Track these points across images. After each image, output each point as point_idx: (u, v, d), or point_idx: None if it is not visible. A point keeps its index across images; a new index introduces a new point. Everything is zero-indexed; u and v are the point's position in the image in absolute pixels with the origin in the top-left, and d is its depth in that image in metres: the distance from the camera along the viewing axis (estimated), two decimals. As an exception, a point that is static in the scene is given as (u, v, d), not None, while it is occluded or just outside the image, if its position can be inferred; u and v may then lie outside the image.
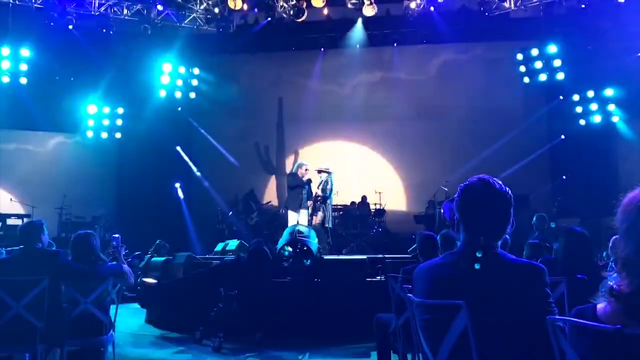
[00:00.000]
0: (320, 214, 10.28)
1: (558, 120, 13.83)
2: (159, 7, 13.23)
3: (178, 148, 15.17)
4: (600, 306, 1.61)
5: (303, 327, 7.07)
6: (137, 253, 10.75)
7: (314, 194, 10.32)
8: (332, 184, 10.40)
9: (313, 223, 10.19)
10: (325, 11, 13.81)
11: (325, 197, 10.28)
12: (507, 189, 2.11)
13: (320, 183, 10.40)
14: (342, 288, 7.50)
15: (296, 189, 9.90)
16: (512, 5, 12.72)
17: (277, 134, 15.64)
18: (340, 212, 12.77)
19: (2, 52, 12.74)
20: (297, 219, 9.72)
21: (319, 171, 10.48)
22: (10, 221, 12.26)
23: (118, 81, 14.18)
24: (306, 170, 10.03)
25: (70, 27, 12.81)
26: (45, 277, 4.11)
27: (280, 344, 6.66)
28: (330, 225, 10.57)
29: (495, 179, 2.13)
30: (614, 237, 4.93)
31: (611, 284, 1.57)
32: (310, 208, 10.28)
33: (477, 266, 2.02)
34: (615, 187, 11.32)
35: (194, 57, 14.81)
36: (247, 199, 13.93)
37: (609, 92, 12.83)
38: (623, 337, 1.45)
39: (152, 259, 9.53)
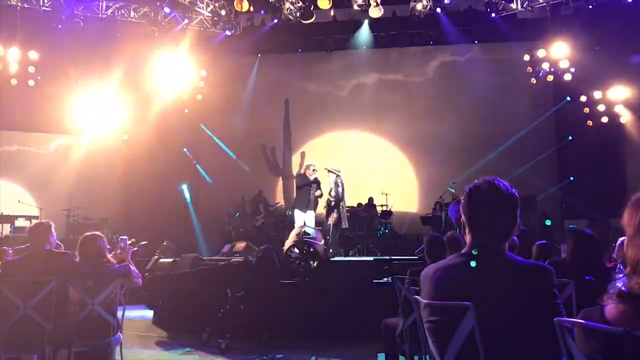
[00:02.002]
0: (334, 215, 10.30)
1: (565, 121, 13.77)
2: (166, 10, 13.24)
3: (185, 150, 15.21)
4: (608, 308, 1.60)
5: (310, 328, 7.06)
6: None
7: (327, 195, 10.33)
8: (342, 185, 10.42)
9: (329, 223, 10.23)
10: (332, 13, 13.81)
11: (338, 198, 10.29)
12: (514, 190, 2.10)
13: (331, 184, 10.38)
14: (348, 290, 7.49)
15: (304, 189, 9.95)
16: (519, 6, 12.67)
17: (283, 135, 15.63)
18: (347, 214, 12.77)
19: (10, 55, 12.81)
20: (304, 219, 9.72)
21: (328, 171, 10.49)
22: (19, 222, 12.30)
23: (125, 83, 14.22)
24: (314, 170, 10.06)
25: (78, 29, 12.86)
26: (53, 279, 4.13)
27: (287, 346, 6.67)
28: (346, 225, 10.63)
29: (501, 180, 2.12)
30: (621, 239, 4.90)
31: (619, 285, 1.55)
32: (324, 209, 10.33)
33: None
34: (622, 189, 11.30)
35: (201, 59, 14.85)
36: (256, 201, 13.94)
37: (616, 92, 12.76)
38: (632, 339, 1.44)
39: (159, 260, 9.54)
